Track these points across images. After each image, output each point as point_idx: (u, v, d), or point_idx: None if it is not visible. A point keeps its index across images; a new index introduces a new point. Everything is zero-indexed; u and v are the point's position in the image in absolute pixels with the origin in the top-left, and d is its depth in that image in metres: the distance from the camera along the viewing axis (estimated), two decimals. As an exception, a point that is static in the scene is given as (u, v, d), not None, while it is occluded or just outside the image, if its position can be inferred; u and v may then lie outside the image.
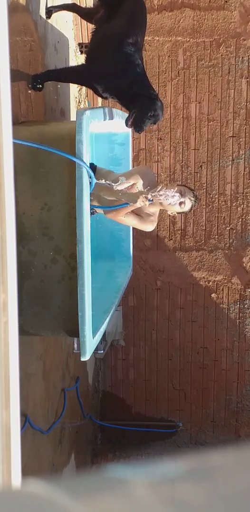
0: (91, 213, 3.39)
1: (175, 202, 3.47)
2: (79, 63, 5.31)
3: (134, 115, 3.53)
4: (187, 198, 3.53)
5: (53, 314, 3.20)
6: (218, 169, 5.87)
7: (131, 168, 4.45)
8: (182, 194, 3.51)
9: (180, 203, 3.51)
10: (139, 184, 3.61)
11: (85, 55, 3.95)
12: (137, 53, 3.67)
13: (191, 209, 3.61)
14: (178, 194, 3.46)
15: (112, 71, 3.65)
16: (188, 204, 3.55)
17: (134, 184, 3.53)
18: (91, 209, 3.33)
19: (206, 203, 5.94)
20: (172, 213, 3.64)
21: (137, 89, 3.57)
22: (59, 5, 4.40)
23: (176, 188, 3.53)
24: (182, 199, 3.51)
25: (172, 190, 3.46)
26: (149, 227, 3.75)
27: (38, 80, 3.84)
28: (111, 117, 3.65)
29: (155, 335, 6.21)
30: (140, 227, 3.79)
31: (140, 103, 3.55)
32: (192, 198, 3.56)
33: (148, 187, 3.59)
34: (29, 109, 3.89)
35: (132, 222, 3.73)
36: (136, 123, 3.54)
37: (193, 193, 3.61)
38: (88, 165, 2.97)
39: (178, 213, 3.64)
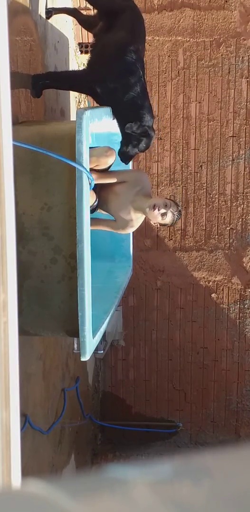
0: (91, 211, 3.44)
1: (157, 214, 3.65)
2: (79, 63, 5.31)
3: (125, 154, 3.72)
4: (169, 211, 3.66)
5: (53, 314, 3.20)
6: (218, 169, 5.87)
7: (130, 167, 4.46)
8: (167, 206, 3.65)
9: (162, 215, 3.65)
10: (130, 185, 3.82)
11: (86, 64, 3.94)
12: (138, 62, 3.67)
13: (172, 223, 3.76)
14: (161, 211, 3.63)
15: (113, 75, 3.65)
16: (169, 217, 3.67)
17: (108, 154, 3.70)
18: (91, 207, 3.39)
19: (206, 203, 5.94)
20: (155, 223, 3.79)
21: (132, 117, 3.62)
22: (60, 8, 4.40)
23: (162, 200, 3.72)
24: (164, 211, 3.64)
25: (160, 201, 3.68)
26: (126, 231, 3.94)
27: (38, 81, 3.84)
28: (111, 117, 3.66)
29: (155, 335, 6.21)
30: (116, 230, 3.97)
31: (130, 139, 3.67)
32: (175, 213, 3.69)
33: (138, 189, 3.79)
34: (29, 109, 3.89)
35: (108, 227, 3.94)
36: (125, 158, 3.75)
37: (177, 207, 3.74)
38: (88, 170, 2.97)
39: (160, 224, 3.78)
